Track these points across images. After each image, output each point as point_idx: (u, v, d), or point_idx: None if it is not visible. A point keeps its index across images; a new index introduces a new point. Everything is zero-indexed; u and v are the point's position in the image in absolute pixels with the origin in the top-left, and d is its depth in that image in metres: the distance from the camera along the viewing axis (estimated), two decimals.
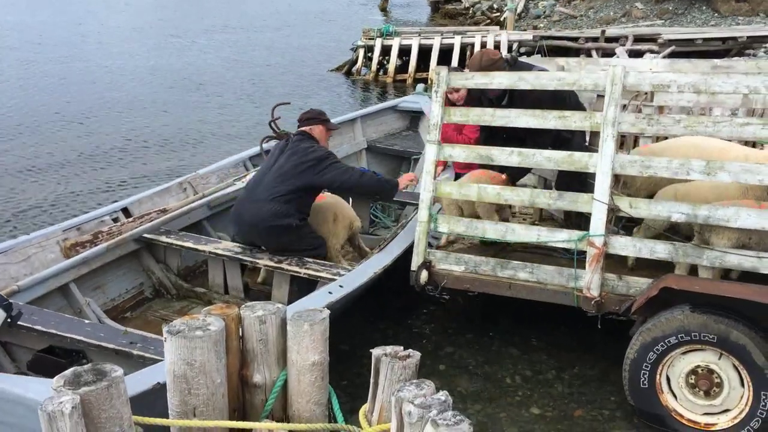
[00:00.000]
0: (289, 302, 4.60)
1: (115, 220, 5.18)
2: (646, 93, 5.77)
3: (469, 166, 5.60)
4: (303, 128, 5.09)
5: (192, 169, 6.41)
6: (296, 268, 4.74)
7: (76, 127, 11.62)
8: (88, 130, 11.45)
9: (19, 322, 3.82)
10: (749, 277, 3.93)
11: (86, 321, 4.22)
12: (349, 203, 5.56)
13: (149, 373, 3.22)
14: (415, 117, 7.95)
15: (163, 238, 5.11)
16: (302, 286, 4.79)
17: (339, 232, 5.16)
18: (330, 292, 4.26)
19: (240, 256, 4.93)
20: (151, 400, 2.93)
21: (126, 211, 5.29)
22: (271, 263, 4.82)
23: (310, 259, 4.84)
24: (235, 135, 11.04)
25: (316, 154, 4.86)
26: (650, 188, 4.57)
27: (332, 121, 7.36)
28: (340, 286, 4.35)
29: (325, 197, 5.31)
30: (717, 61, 5.85)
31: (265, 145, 6.68)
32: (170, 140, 10.96)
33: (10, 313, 3.71)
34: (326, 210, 5.16)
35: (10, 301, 3.83)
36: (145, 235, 5.11)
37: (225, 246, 5.06)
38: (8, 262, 4.44)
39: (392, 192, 5.12)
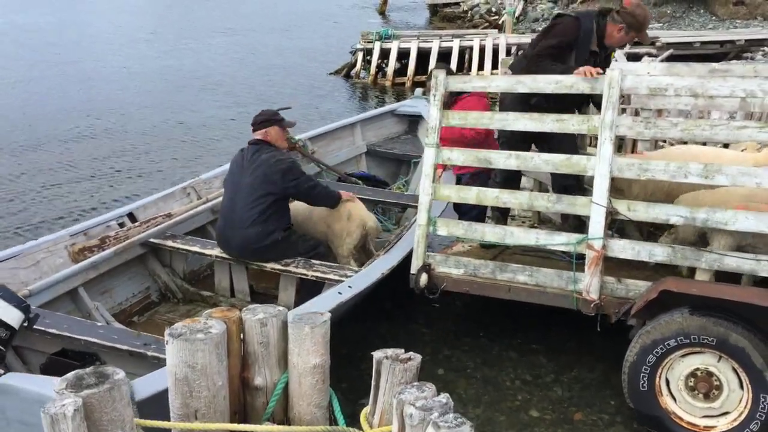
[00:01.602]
0: (296, 304, 4.62)
1: (121, 224, 5.19)
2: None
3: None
4: (257, 134, 5.01)
5: (194, 173, 6.45)
6: (303, 271, 4.75)
7: (78, 129, 11.66)
8: (90, 132, 11.50)
9: (33, 326, 3.82)
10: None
11: (98, 323, 4.25)
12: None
13: (163, 374, 3.22)
14: (413, 121, 7.96)
15: (170, 243, 5.13)
16: (308, 289, 4.80)
17: (353, 231, 5.13)
18: (339, 293, 4.28)
19: (246, 260, 4.94)
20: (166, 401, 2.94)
21: (131, 216, 5.30)
22: (278, 266, 4.83)
23: (317, 262, 4.85)
24: (234, 138, 11.00)
25: (280, 166, 4.82)
26: (647, 197, 4.51)
27: (332, 125, 7.45)
28: (349, 287, 4.37)
29: (342, 196, 5.30)
30: (715, 65, 5.85)
31: None
32: (171, 144, 10.98)
33: (28, 315, 3.70)
34: (340, 208, 5.17)
35: (28, 303, 3.81)
36: (152, 240, 5.12)
37: None
38: (18, 267, 4.45)
39: (336, 203, 5.16)
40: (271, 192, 4.79)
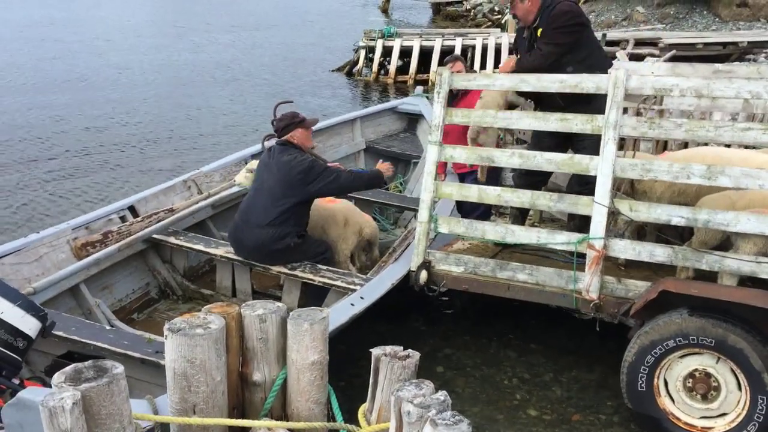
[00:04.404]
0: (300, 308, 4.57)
1: (123, 218, 5.15)
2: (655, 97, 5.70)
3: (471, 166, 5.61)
4: (283, 137, 4.90)
5: (195, 166, 6.43)
6: (310, 276, 4.70)
7: (80, 122, 11.67)
8: (92, 125, 11.51)
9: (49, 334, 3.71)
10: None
11: (107, 327, 4.19)
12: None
13: None
14: (413, 119, 7.94)
15: (172, 240, 5.09)
16: (313, 293, 4.77)
17: (349, 236, 5.10)
18: (352, 304, 4.24)
19: (251, 261, 4.91)
20: None
21: (133, 210, 5.25)
22: (285, 269, 4.79)
23: (324, 267, 4.80)
24: (236, 132, 11.07)
25: (301, 167, 4.68)
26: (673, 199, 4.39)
27: (332, 120, 7.41)
28: (362, 298, 4.32)
29: (336, 201, 5.26)
30: (718, 66, 5.85)
31: (267, 143, 6.69)
32: (172, 137, 11.00)
33: (45, 323, 3.63)
34: (336, 213, 5.12)
35: (46, 311, 3.70)
36: (155, 236, 5.09)
37: None
38: (21, 262, 4.39)
39: (380, 181, 5.05)
40: (291, 195, 4.68)
